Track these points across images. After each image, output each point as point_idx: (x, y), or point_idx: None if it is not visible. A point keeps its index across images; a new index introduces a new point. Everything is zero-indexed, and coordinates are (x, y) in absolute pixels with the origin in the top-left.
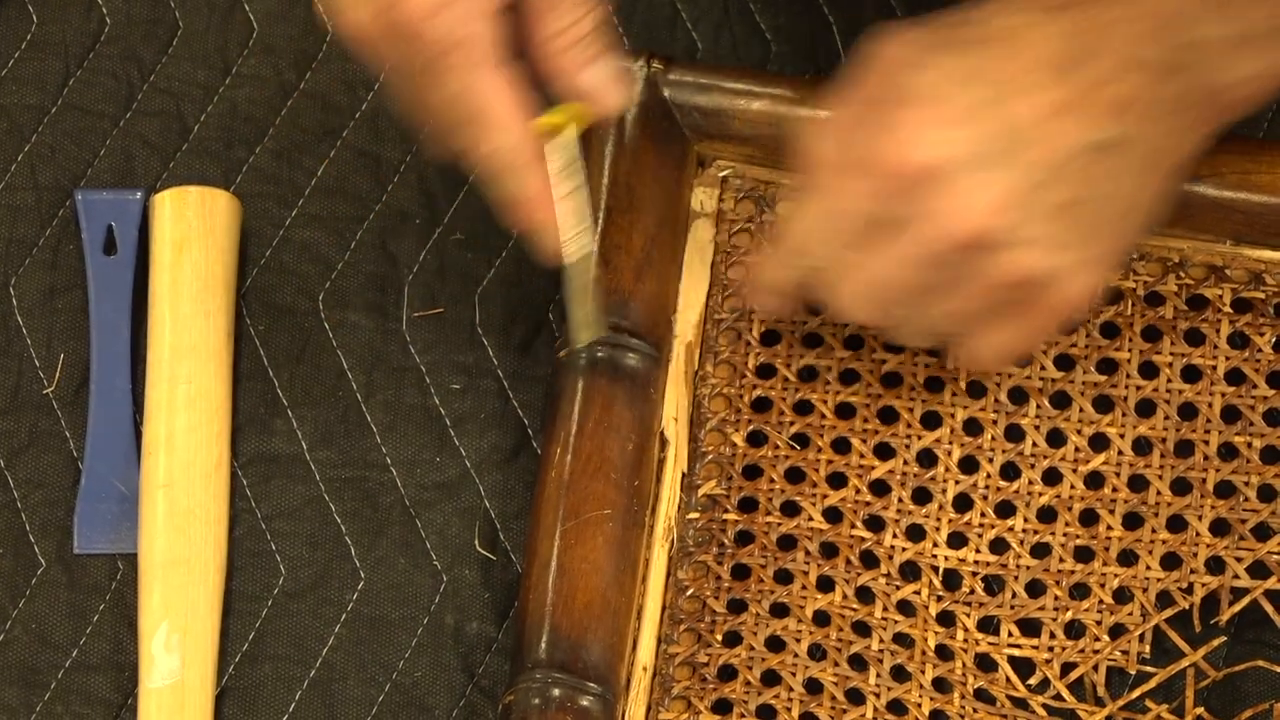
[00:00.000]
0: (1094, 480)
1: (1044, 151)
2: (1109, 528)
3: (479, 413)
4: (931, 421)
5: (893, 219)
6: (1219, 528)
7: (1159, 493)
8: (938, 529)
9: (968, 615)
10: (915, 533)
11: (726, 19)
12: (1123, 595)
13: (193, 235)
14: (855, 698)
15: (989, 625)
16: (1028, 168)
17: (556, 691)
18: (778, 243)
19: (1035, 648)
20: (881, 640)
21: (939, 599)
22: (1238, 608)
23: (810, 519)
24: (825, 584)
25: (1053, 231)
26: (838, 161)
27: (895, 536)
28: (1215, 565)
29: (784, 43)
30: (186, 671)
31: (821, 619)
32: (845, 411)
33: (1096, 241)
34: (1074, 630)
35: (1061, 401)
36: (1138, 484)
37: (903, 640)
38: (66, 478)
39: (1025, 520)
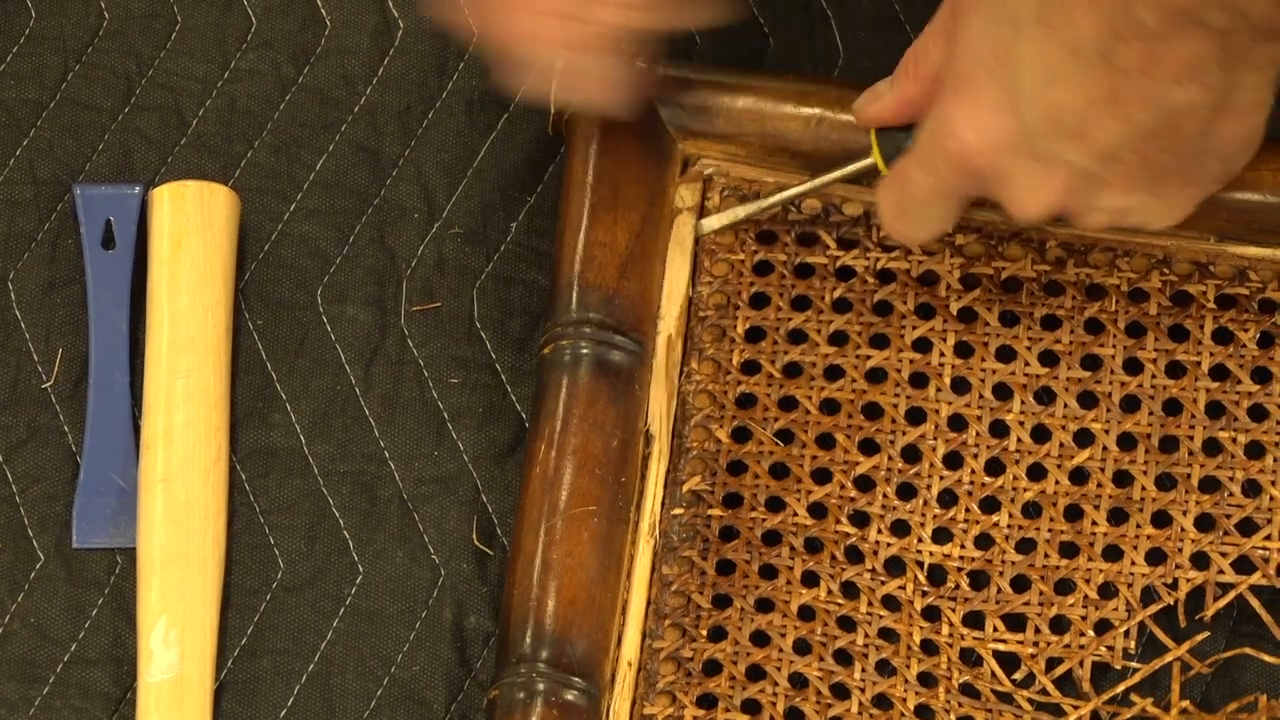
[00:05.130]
0: (1079, 476)
1: (1097, 138)
2: (1094, 523)
3: (477, 407)
4: (916, 417)
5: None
6: (1204, 523)
7: (1144, 488)
8: (923, 524)
9: (953, 610)
10: (900, 528)
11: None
12: (1108, 590)
13: (191, 230)
14: (840, 692)
15: (974, 620)
16: (1083, 153)
17: (541, 686)
18: (894, 196)
19: (1020, 643)
20: (866, 635)
21: (924, 594)
22: (1222, 603)
23: (795, 514)
24: (810, 579)
25: (1122, 194)
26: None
27: (880, 532)
28: (1200, 560)
29: (781, 37)
30: (185, 666)
31: (806, 614)
32: (830, 407)
33: (1176, 185)
34: (1059, 625)
35: (1046, 397)
36: (1122, 479)
37: (888, 635)
38: (65, 472)
39: (1010, 515)
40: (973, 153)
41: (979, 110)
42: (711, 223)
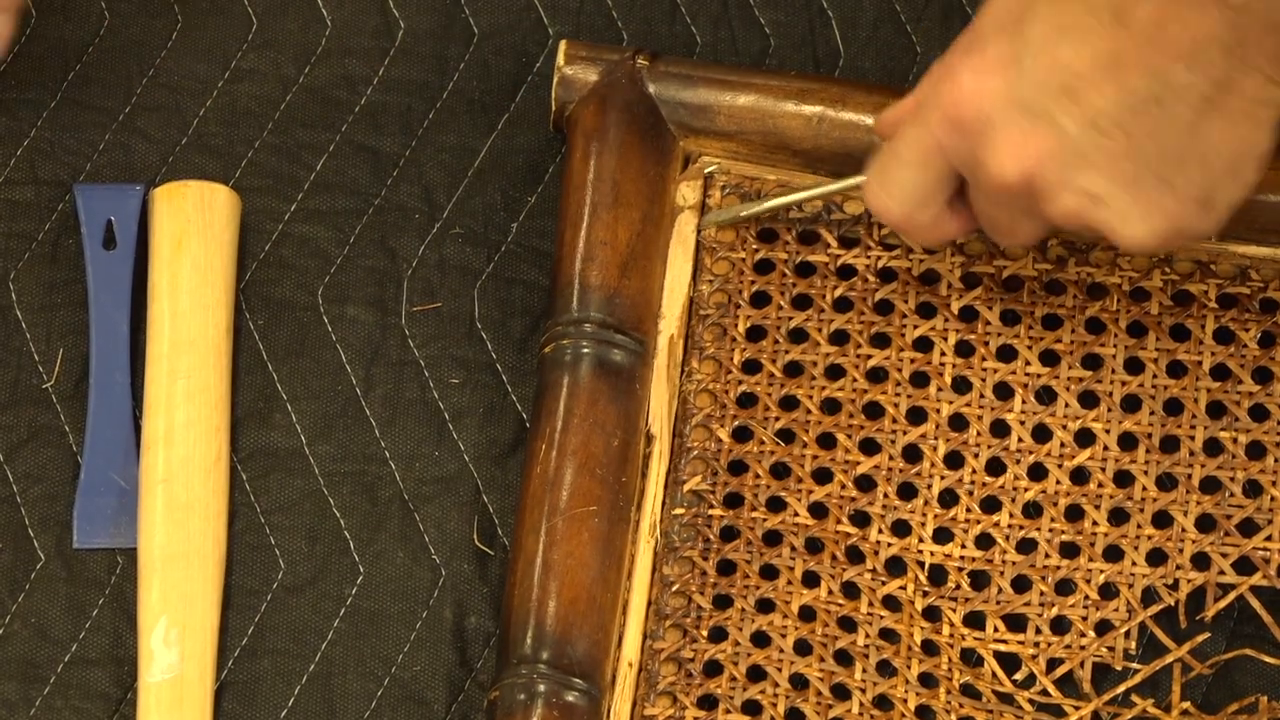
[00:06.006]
0: (1079, 476)
1: (1091, 103)
2: (1094, 523)
3: (478, 407)
4: (917, 417)
5: (963, 161)
6: (1204, 523)
7: (1144, 488)
8: (923, 524)
9: (953, 610)
10: (901, 528)
11: (725, 13)
12: (1108, 591)
13: (192, 230)
14: (841, 693)
15: (975, 621)
16: (1073, 118)
17: (542, 687)
18: (880, 182)
19: (1021, 643)
20: (867, 635)
21: (925, 594)
22: (1223, 603)
23: (796, 514)
24: (811, 579)
25: (1101, 178)
26: (918, 103)
27: (881, 532)
28: (1201, 561)
29: (783, 37)
30: (186, 666)
31: (807, 614)
32: (831, 407)
33: (1153, 186)
34: (1060, 626)
35: (1047, 397)
36: (1123, 479)
37: (888, 635)
38: (66, 472)
39: (1011, 515)
40: (965, 98)
41: (983, 60)
42: (711, 220)
